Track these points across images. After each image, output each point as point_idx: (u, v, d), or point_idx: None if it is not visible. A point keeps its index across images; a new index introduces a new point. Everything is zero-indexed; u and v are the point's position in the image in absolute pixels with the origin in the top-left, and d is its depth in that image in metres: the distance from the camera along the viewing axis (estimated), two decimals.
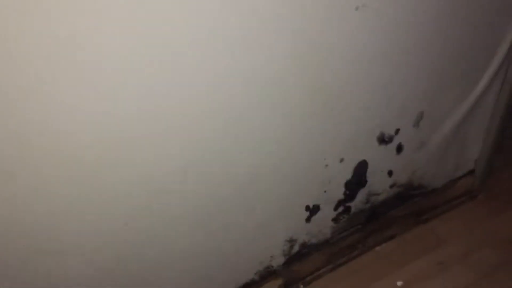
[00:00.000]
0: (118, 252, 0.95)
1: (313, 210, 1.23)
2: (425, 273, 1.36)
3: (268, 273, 1.30)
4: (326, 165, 1.15)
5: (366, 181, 1.27)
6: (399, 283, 1.34)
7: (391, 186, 1.35)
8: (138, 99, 0.77)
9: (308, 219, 1.24)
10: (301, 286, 1.36)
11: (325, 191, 1.21)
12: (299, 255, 1.33)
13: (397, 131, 1.21)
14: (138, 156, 0.84)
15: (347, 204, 1.30)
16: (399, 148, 1.26)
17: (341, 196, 1.26)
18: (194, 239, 1.06)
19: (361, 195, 1.30)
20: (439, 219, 1.50)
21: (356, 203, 1.32)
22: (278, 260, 1.29)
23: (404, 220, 1.46)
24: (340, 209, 1.29)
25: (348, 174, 1.22)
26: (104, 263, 0.94)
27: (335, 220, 1.31)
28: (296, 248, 1.30)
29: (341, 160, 1.17)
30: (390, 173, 1.30)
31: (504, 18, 1.16)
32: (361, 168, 1.23)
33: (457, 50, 1.16)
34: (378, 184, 1.32)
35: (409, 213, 1.46)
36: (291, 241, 1.27)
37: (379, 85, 1.07)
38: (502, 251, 1.37)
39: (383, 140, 1.20)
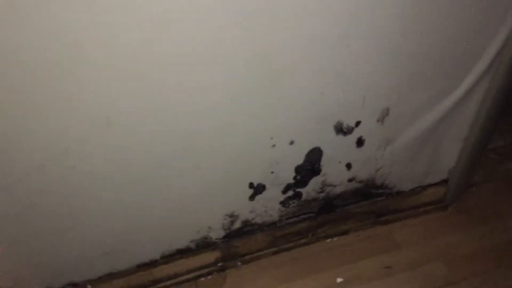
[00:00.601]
0: None
1: (257, 189, 1.19)
2: (369, 275, 1.31)
3: (205, 244, 1.27)
4: (274, 145, 1.10)
5: (320, 170, 1.22)
6: (339, 280, 1.30)
7: (350, 180, 1.29)
8: None
9: (252, 197, 1.20)
10: (239, 263, 1.33)
11: (272, 172, 1.17)
12: (241, 232, 1.29)
13: (358, 123, 1.14)
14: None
15: (298, 190, 1.25)
16: (360, 142, 1.19)
17: (291, 180, 1.21)
18: (126, 195, 1.04)
19: (314, 183, 1.25)
20: (400, 224, 1.44)
21: (308, 191, 1.27)
22: (217, 233, 1.26)
23: (361, 217, 1.40)
24: (290, 193, 1.25)
25: (299, 159, 1.17)
26: None
27: (283, 203, 1.27)
28: (237, 224, 1.26)
29: (291, 143, 1.12)
30: (348, 166, 1.24)
31: (492, 20, 1.06)
32: (314, 155, 1.17)
33: (435, 50, 1.07)
34: (335, 175, 1.26)
35: (368, 211, 1.40)
36: (232, 216, 1.23)
37: (335, 71, 1.00)
38: (456, 268, 1.31)
39: (341, 130, 1.14)
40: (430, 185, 1.43)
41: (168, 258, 1.26)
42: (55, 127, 0.86)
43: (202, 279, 1.31)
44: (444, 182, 1.43)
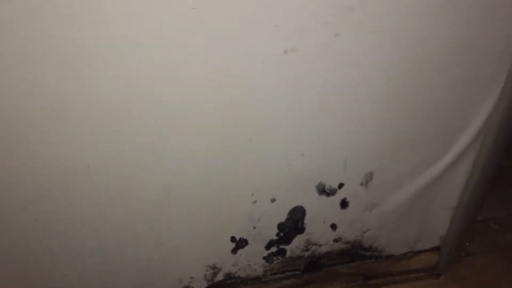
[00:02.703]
0: None
1: (240, 243, 1.21)
2: None
3: None
4: (255, 201, 1.13)
5: (304, 228, 1.23)
6: None
7: (336, 240, 1.29)
8: None
9: (234, 251, 1.22)
10: None
11: (254, 227, 1.19)
12: (224, 285, 1.30)
13: (341, 185, 1.16)
14: None
15: (282, 247, 1.26)
16: (344, 204, 1.20)
17: (274, 237, 1.23)
18: (107, 241, 1.08)
19: (298, 241, 1.26)
20: None
21: (293, 248, 1.27)
22: (200, 283, 1.28)
23: (349, 279, 1.39)
24: (273, 249, 1.26)
25: (281, 216, 1.19)
26: None
27: (267, 259, 1.27)
28: (220, 276, 1.28)
29: (273, 200, 1.14)
30: (333, 226, 1.25)
31: (477, 90, 1.07)
32: (297, 214, 1.19)
33: (418, 120, 1.09)
34: (319, 234, 1.26)
35: (356, 273, 1.38)
36: (214, 268, 1.25)
37: (315, 134, 1.03)
38: None
39: (324, 191, 1.15)
40: (421, 251, 1.41)
41: None
42: (37, 172, 0.92)
43: None
44: (437, 249, 1.41)
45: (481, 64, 1.02)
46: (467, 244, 1.51)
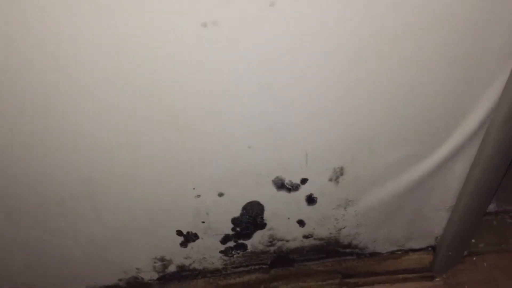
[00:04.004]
0: None
1: (188, 237, 1.05)
2: None
3: (138, 284, 1.17)
4: (198, 196, 0.95)
5: (264, 224, 1.05)
6: None
7: (306, 237, 1.11)
8: None
9: (183, 244, 1.07)
10: None
11: (203, 222, 1.02)
12: (179, 276, 1.17)
13: (304, 180, 0.96)
14: None
15: (241, 241, 1.09)
16: (311, 200, 1.00)
17: (229, 232, 1.06)
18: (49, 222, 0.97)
19: (260, 236, 1.09)
20: None
21: (254, 243, 1.11)
22: (150, 275, 1.15)
23: (325, 277, 1.21)
24: (230, 244, 1.09)
25: (234, 211, 1.01)
26: None
27: (225, 253, 1.12)
28: (172, 268, 1.14)
29: (220, 195, 0.96)
30: (301, 222, 1.06)
31: (476, 81, 0.82)
32: (254, 209, 1.01)
33: (400, 105, 0.85)
34: (285, 230, 1.08)
35: (333, 270, 1.21)
36: (163, 261, 1.11)
37: (262, 124, 0.83)
38: None
39: (283, 186, 0.96)
40: (413, 250, 1.20)
41: None
42: None
43: None
44: (432, 248, 1.20)
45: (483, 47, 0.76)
46: (472, 240, 1.28)
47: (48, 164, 0.85)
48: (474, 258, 1.27)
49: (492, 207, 1.36)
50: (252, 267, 1.18)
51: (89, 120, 0.79)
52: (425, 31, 0.71)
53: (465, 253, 1.27)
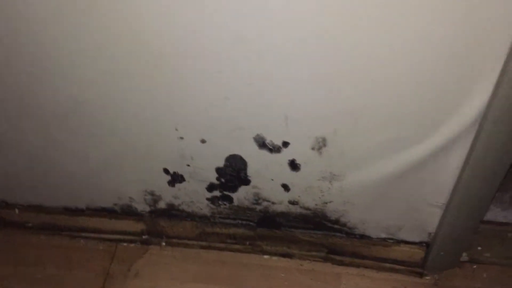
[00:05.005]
0: None
1: (175, 177, 1.09)
2: None
3: (131, 212, 1.24)
4: (181, 137, 0.98)
5: (248, 180, 1.06)
6: None
7: (292, 203, 1.11)
8: None
9: (171, 183, 1.12)
10: (163, 243, 1.26)
11: (188, 165, 1.06)
12: (169, 214, 1.22)
13: (286, 144, 0.95)
14: None
15: (226, 193, 1.11)
16: (294, 165, 1.00)
17: (214, 181, 1.09)
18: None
19: (245, 192, 1.10)
20: (356, 271, 1.22)
21: (240, 197, 1.12)
22: (142, 206, 1.22)
23: (310, 248, 1.21)
24: (216, 193, 1.12)
25: (218, 161, 1.03)
26: None
27: (211, 201, 1.15)
28: (162, 204, 1.19)
29: (203, 141, 0.98)
30: (285, 187, 1.06)
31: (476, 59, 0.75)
32: (237, 163, 1.02)
33: (390, 83, 0.81)
34: (270, 191, 1.09)
35: (320, 243, 1.20)
36: (153, 195, 1.16)
37: (238, 76, 0.83)
38: None
39: (265, 145, 0.96)
40: (406, 242, 1.15)
41: (93, 211, 1.24)
42: None
43: (124, 244, 1.28)
44: (426, 245, 1.14)
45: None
46: (478, 248, 1.20)
47: (48, 81, 0.91)
48: (475, 266, 1.20)
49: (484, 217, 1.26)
50: (239, 221, 1.19)
51: (81, 49, 0.83)
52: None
53: (466, 258, 1.20)
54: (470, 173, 0.89)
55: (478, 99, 0.78)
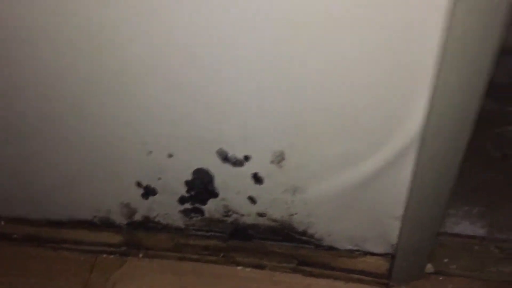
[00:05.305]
0: None
1: (148, 190, 1.15)
2: None
3: (110, 224, 1.29)
4: (150, 152, 1.04)
5: (217, 193, 1.11)
6: None
7: (260, 215, 1.15)
8: None
9: (145, 196, 1.17)
10: (141, 255, 1.31)
11: (159, 178, 1.11)
12: (146, 227, 1.28)
13: (247, 158, 1.00)
14: None
15: (197, 205, 1.16)
16: (257, 179, 1.05)
17: (184, 193, 1.14)
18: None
19: (215, 204, 1.15)
20: (325, 282, 1.24)
21: (210, 210, 1.17)
22: (120, 219, 1.27)
23: (280, 259, 1.25)
24: (187, 205, 1.17)
25: (186, 174, 1.09)
26: None
27: (184, 213, 1.20)
28: (138, 217, 1.24)
29: (170, 155, 1.04)
30: (252, 199, 1.11)
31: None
32: (204, 176, 1.08)
33: (340, 96, 0.87)
34: (238, 204, 1.14)
35: (290, 255, 1.24)
36: (129, 208, 1.22)
37: (188, 89, 0.89)
38: None
39: (227, 159, 1.01)
40: (372, 254, 1.19)
41: (75, 223, 1.30)
42: None
43: (104, 255, 1.33)
44: (392, 256, 1.18)
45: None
46: (445, 260, 1.23)
47: (17, 96, 0.98)
48: (441, 278, 1.23)
49: (481, 232, 1.30)
50: (212, 233, 1.24)
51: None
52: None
53: (432, 270, 1.23)
54: (419, 185, 0.93)
55: (417, 114, 0.82)
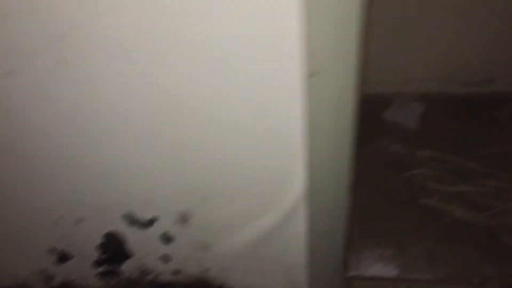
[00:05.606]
0: None
1: (62, 255, 1.15)
2: None
3: None
4: (59, 218, 1.06)
5: (130, 254, 1.13)
6: None
7: (176, 273, 1.18)
8: None
9: (59, 261, 1.17)
10: None
11: (71, 243, 1.12)
12: None
13: (154, 219, 1.04)
14: None
15: (112, 268, 1.18)
16: (167, 238, 1.08)
17: (98, 257, 1.15)
18: None
19: (130, 266, 1.17)
20: None
21: (127, 271, 1.19)
22: (38, 285, 1.25)
23: None
24: (103, 268, 1.18)
25: (98, 238, 1.11)
26: None
27: (101, 277, 1.20)
28: (56, 283, 1.24)
29: (78, 221, 1.06)
30: (164, 258, 1.13)
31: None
32: (114, 239, 1.10)
33: (229, 163, 0.92)
34: (152, 264, 1.16)
35: None
36: (45, 274, 1.21)
37: (100, 164, 0.93)
38: None
39: (135, 221, 1.04)
40: None
41: None
42: None
43: None
44: None
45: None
46: None
47: None
48: None
49: (393, 273, 1.36)
50: None
51: None
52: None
53: None
54: (313, 235, 0.99)
55: (298, 176, 0.89)
